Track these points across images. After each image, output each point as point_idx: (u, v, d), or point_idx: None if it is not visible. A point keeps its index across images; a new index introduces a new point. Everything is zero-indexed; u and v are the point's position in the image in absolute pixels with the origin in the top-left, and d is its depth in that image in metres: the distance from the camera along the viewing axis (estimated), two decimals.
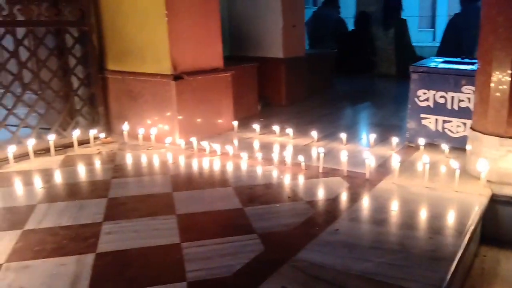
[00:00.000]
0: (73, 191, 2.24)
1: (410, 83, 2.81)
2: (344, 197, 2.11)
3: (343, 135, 2.94)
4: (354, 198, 2.09)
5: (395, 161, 2.30)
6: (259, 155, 2.60)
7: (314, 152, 2.70)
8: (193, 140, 2.78)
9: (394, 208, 1.98)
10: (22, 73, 2.80)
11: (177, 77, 2.89)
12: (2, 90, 2.69)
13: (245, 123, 3.36)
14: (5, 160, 2.54)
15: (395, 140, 2.79)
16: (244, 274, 1.48)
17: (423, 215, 1.92)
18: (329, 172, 2.40)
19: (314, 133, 3.02)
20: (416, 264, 1.53)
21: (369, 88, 5.87)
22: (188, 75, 2.95)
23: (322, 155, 2.43)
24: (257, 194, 2.14)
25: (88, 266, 1.51)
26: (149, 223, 1.84)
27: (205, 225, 1.84)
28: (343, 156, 2.41)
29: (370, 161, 2.39)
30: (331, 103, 4.54)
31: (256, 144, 2.88)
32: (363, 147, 2.86)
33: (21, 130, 2.74)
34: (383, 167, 2.47)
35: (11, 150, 2.56)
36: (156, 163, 2.63)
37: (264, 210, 1.96)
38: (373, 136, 2.92)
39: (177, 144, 2.88)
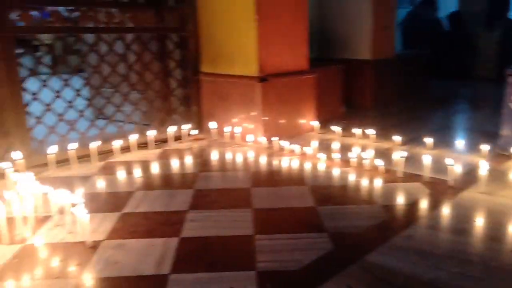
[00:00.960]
0: (166, 181, 2.46)
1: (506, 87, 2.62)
2: (422, 204, 2.05)
3: (428, 140, 2.83)
4: (434, 205, 2.03)
5: (484, 169, 2.17)
6: (337, 156, 2.61)
7: (395, 156, 2.64)
8: (275, 139, 2.88)
9: (477, 218, 1.88)
10: (129, 75, 3.12)
11: (262, 79, 3.01)
12: (112, 90, 3.02)
13: (327, 125, 3.37)
14: (112, 151, 2.85)
15: (486, 147, 2.62)
16: (311, 270, 1.53)
17: (509, 228, 1.80)
18: (410, 177, 2.34)
19: (398, 137, 2.94)
20: (495, 277, 1.45)
21: (464, 92, 5.50)
22: (273, 77, 3.06)
23: (403, 159, 2.37)
24: (332, 195, 2.17)
25: (172, 248, 1.66)
26: (228, 214, 1.97)
27: (278, 220, 1.91)
28: (426, 161, 2.33)
29: (456, 168, 2.28)
30: (421, 107, 4.35)
31: (336, 146, 2.89)
32: (449, 153, 2.73)
33: (126, 125, 3.05)
34: (469, 175, 2.34)
35: (117, 143, 2.86)
36: (239, 159, 2.77)
37: (337, 211, 1.99)
38: (462, 142, 2.77)
39: (259, 142, 3.01)
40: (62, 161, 2.58)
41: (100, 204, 2.11)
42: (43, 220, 1.88)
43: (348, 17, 4.22)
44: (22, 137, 2.50)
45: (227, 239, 1.74)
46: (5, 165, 2.26)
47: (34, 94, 2.55)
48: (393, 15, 4.44)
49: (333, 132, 3.22)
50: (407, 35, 6.36)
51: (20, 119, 2.47)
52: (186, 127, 3.23)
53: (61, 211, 1.89)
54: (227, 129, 3.11)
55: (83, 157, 2.69)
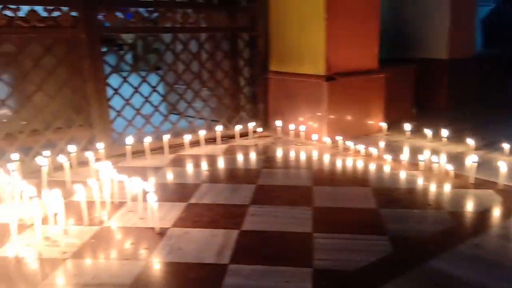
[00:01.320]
0: (230, 175, 2.55)
1: None
2: (494, 212, 1.94)
3: (506, 145, 2.65)
4: (506, 214, 1.91)
5: None
6: (404, 159, 2.53)
7: (468, 161, 2.51)
8: (339, 139, 2.86)
9: None
10: (201, 73, 3.25)
11: (329, 78, 2.99)
12: (185, 87, 3.17)
13: (396, 126, 3.27)
14: (182, 145, 3.00)
15: None
16: (369, 272, 1.51)
17: None
18: (482, 184, 2.22)
19: (472, 140, 2.78)
20: None
21: None
22: (341, 76, 3.03)
23: (475, 164, 2.25)
24: (396, 197, 2.12)
25: (233, 240, 1.73)
26: (288, 211, 2.00)
27: (338, 220, 1.91)
28: (502, 167, 2.20)
29: None
30: (499, 110, 4.06)
31: (404, 148, 2.80)
32: None
33: (196, 121, 3.19)
34: None
35: (187, 137, 3.00)
36: (303, 158, 2.79)
37: (400, 214, 1.94)
38: None
39: (323, 142, 3.00)
40: (138, 152, 2.77)
41: (169, 193, 2.23)
42: (118, 205, 2.04)
43: (424, 15, 4.05)
44: (104, 129, 2.70)
45: (285, 235, 1.77)
46: (89, 154, 2.46)
47: (115, 89, 2.74)
48: (473, 13, 4.19)
49: (402, 133, 3.13)
50: (488, 33, 5.95)
51: (103, 112, 2.68)
52: (252, 124, 3.31)
53: (134, 198, 2.04)
54: (292, 127, 3.13)
55: (156, 149, 2.86)
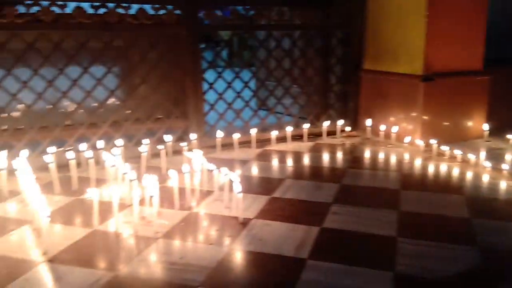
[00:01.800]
0: (314, 173, 2.56)
1: None
2: None
3: None
4: None
5: None
6: (506, 168, 2.34)
7: None
8: (434, 142, 2.72)
9: None
10: (293, 70, 3.29)
11: (426, 78, 2.85)
12: (275, 83, 3.23)
13: (499, 132, 3.02)
14: (269, 140, 3.07)
15: None
16: (454, 282, 1.45)
17: None
18: None
19: None
20: None
21: None
22: (440, 77, 2.88)
23: None
24: (492, 208, 1.98)
25: (313, 236, 1.75)
26: (371, 212, 1.96)
27: (426, 226, 1.83)
28: None
29: None
30: None
31: (506, 156, 2.59)
32: None
33: (284, 117, 3.25)
34: None
35: (275, 133, 3.07)
36: (392, 160, 2.71)
37: (494, 226, 1.81)
38: None
39: (416, 144, 2.87)
40: (227, 145, 2.89)
41: (254, 186, 2.31)
42: (206, 194, 2.16)
43: None
44: (198, 121, 2.87)
45: (367, 236, 1.75)
46: (183, 144, 2.64)
47: (211, 84, 2.90)
48: None
49: (505, 141, 2.88)
50: None
51: (198, 105, 2.85)
52: (340, 122, 3.28)
53: (222, 188, 2.14)
54: (383, 127, 3.05)
55: (244, 143, 2.97)
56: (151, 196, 1.89)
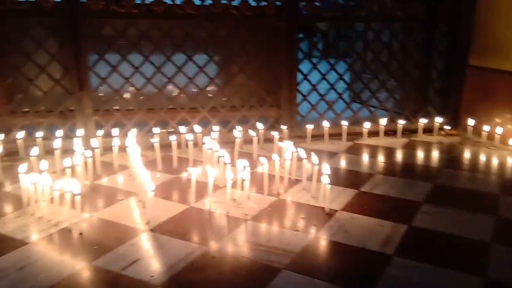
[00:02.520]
0: (406, 170, 2.50)
1: None
2: None
3: None
4: None
5: None
6: None
7: None
8: None
9: None
10: (390, 63, 3.21)
11: None
12: (371, 76, 3.18)
13: None
14: (361, 134, 3.04)
15: None
16: None
17: None
18: None
19: None
20: None
21: None
22: None
23: None
24: None
25: (400, 233, 1.73)
26: (465, 215, 1.88)
27: None
28: None
29: None
30: None
31: None
32: None
33: (378, 111, 3.18)
34: None
35: (367, 126, 3.03)
36: (493, 163, 2.54)
37: None
38: None
39: None
40: (317, 136, 2.93)
41: (342, 179, 2.33)
42: (294, 182, 2.23)
43: None
44: (291, 111, 2.93)
45: (458, 240, 1.69)
46: (274, 132, 2.72)
47: (305, 75, 2.94)
48: None
49: None
50: None
51: (291, 95, 2.91)
52: (439, 120, 3.13)
53: (309, 178, 2.19)
54: (486, 128, 2.86)
55: (335, 135, 2.97)
56: (243, 180, 2.00)
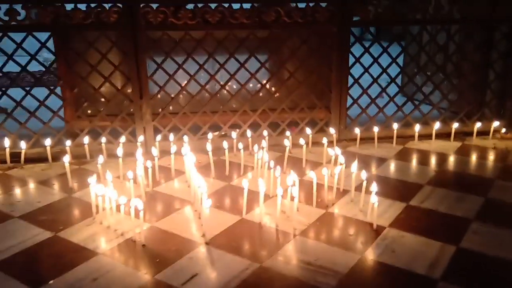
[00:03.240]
0: (458, 181, 2.48)
1: None
2: None
3: None
4: None
5: None
6: None
7: None
8: None
9: None
10: (446, 64, 3.11)
11: None
12: (425, 77, 3.09)
13: None
14: (412, 137, 3.00)
15: None
16: None
17: None
18: None
19: None
20: None
21: None
22: None
23: None
24: None
25: (447, 256, 1.74)
26: None
27: None
28: None
29: None
30: None
31: None
32: None
33: (431, 114, 3.10)
34: None
35: (418, 129, 2.99)
36: None
37: None
38: None
39: None
40: (366, 139, 2.93)
41: (390, 190, 2.32)
42: (342, 193, 2.26)
43: None
44: (340, 114, 2.93)
45: (507, 265, 1.69)
46: (324, 137, 2.74)
47: (356, 79, 2.91)
48: None
49: None
50: None
51: (342, 100, 2.90)
52: (495, 123, 3.03)
53: (358, 188, 2.22)
54: None
55: (385, 138, 2.96)
56: (292, 191, 2.06)
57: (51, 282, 1.56)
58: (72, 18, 2.42)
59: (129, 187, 2.17)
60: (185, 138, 2.67)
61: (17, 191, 2.29)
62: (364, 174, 2.16)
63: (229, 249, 1.77)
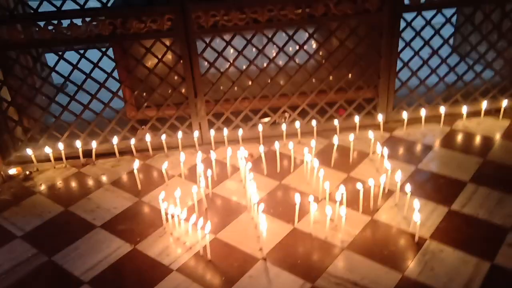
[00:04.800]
0: (501, 176, 2.43)
1: None
2: None
3: None
4: None
5: None
6: None
7: None
8: None
9: None
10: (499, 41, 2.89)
11: None
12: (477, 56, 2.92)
13: None
14: (461, 115, 2.95)
15: None
16: None
17: None
18: None
19: None
20: None
21: None
22: None
23: None
24: None
25: (482, 274, 1.83)
26: None
27: None
28: None
29: None
30: None
31: None
32: None
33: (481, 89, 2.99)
34: None
35: (465, 110, 2.93)
36: None
37: None
38: None
39: None
40: (414, 120, 2.92)
41: (433, 189, 2.34)
42: (388, 194, 2.32)
43: None
44: (388, 97, 2.90)
45: None
46: (370, 132, 2.72)
47: (405, 62, 2.83)
48: None
49: None
50: None
51: (390, 85, 2.86)
52: None
53: (402, 188, 2.25)
54: None
55: (433, 117, 2.93)
56: (340, 194, 2.14)
57: None
58: (129, 29, 2.48)
59: (192, 193, 2.31)
60: (240, 131, 2.80)
61: (94, 195, 2.50)
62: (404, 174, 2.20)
63: (285, 266, 1.95)
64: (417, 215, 2.05)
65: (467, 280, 1.84)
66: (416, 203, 2.10)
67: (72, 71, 2.66)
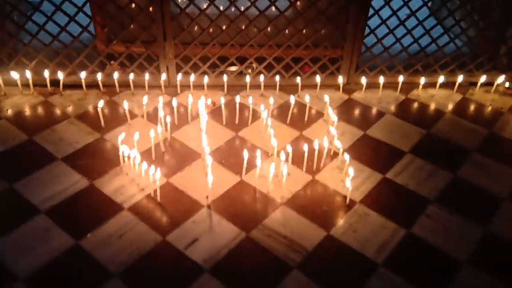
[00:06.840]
0: (437, 149, 2.47)
1: None
2: None
3: None
4: None
5: None
6: None
7: None
8: None
9: None
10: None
11: None
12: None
13: None
14: (418, 85, 2.96)
15: None
16: None
17: None
18: None
19: None
20: None
21: None
22: None
23: None
24: None
25: (396, 240, 1.95)
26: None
27: None
28: None
29: None
30: None
31: None
32: None
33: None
34: None
35: (422, 81, 2.95)
36: None
37: None
38: None
39: None
40: (373, 85, 2.93)
41: (376, 155, 2.41)
42: (333, 156, 2.40)
43: None
44: (351, 60, 2.89)
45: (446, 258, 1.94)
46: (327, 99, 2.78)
47: (376, 10, 2.78)
48: None
49: None
50: None
51: (355, 48, 2.84)
52: (502, 78, 2.96)
53: (342, 154, 2.34)
54: None
55: (392, 84, 2.94)
56: (287, 152, 2.25)
57: (89, 235, 1.96)
58: None
59: (150, 137, 2.35)
60: (205, 78, 2.79)
61: (58, 127, 2.51)
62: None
63: (226, 215, 2.07)
64: (349, 182, 2.17)
65: (382, 243, 1.97)
66: (351, 170, 2.20)
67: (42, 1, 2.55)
